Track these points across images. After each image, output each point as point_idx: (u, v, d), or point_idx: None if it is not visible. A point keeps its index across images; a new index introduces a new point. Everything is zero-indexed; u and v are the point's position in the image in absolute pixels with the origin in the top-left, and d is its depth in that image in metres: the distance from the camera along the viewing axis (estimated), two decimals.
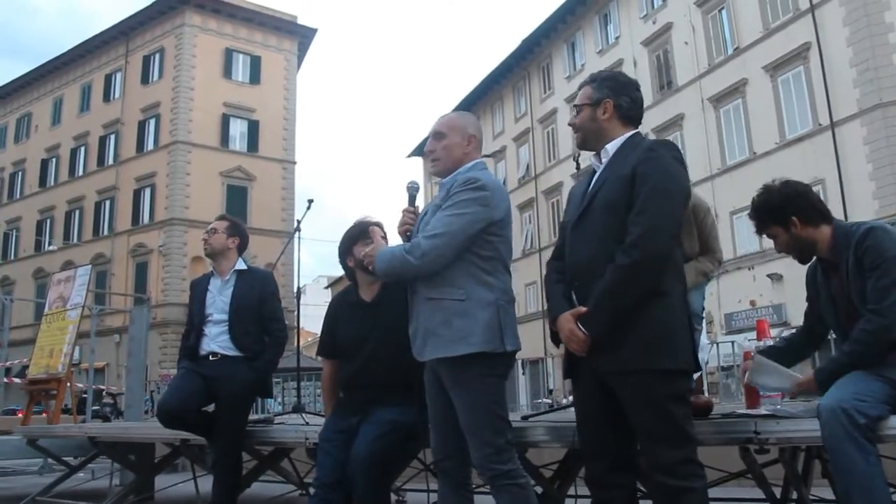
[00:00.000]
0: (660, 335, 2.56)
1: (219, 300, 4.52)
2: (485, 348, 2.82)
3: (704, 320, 4.04)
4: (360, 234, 3.86)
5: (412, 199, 3.05)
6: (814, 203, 3.05)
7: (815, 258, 3.12)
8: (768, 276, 21.86)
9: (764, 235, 3.17)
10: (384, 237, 3.83)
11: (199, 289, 4.66)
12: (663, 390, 2.54)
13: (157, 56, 36.52)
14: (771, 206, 3.06)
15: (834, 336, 3.24)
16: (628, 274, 2.55)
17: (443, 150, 3.08)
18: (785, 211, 3.02)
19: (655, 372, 2.54)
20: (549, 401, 18.60)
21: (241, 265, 4.65)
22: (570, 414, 4.10)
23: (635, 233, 2.56)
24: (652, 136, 28.36)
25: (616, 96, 2.86)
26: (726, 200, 23.59)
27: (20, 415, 9.28)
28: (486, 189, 2.93)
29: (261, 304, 4.54)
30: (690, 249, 3.84)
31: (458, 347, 2.82)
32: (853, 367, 2.77)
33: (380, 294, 3.80)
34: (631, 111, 2.87)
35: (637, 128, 2.90)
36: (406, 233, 2.99)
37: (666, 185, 2.63)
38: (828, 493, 3.94)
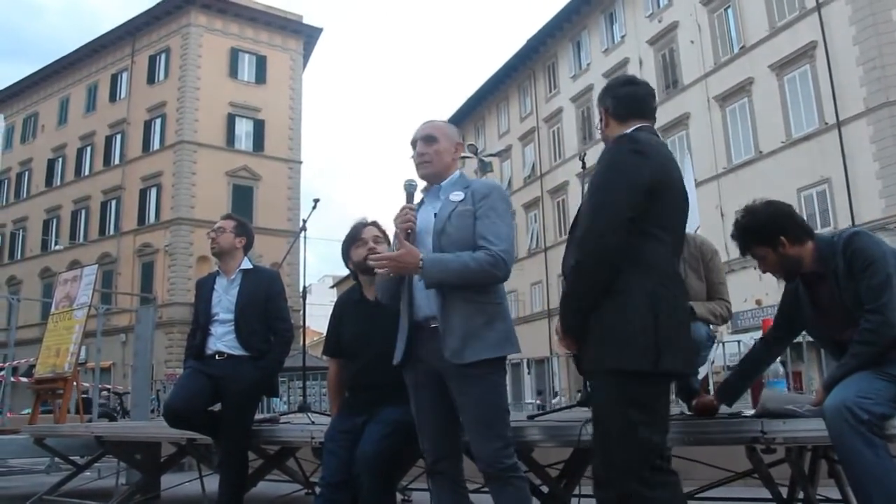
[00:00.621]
0: (610, 335, 2.52)
1: (225, 299, 4.53)
2: (516, 350, 2.97)
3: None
4: (353, 235, 3.95)
5: (410, 196, 3.06)
6: (798, 221, 3.08)
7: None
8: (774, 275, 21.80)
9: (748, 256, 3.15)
10: (380, 236, 3.87)
11: (204, 288, 4.66)
12: (612, 391, 2.51)
13: (163, 56, 36.57)
14: (758, 228, 3.06)
15: (806, 340, 3.25)
16: (574, 275, 2.58)
17: (435, 154, 3.12)
18: (773, 231, 3.02)
19: (606, 372, 2.54)
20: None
21: (246, 264, 4.66)
22: (576, 413, 4.11)
23: (578, 234, 2.59)
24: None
25: (602, 103, 2.90)
26: (732, 200, 23.51)
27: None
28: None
29: (267, 304, 4.55)
30: (699, 292, 3.77)
31: (503, 349, 2.94)
32: (860, 369, 2.77)
33: None
34: (619, 109, 2.84)
35: (641, 121, 2.81)
36: (408, 230, 2.97)
37: (606, 179, 2.59)
38: (834, 493, 3.94)
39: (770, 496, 3.85)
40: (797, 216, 3.10)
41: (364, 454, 3.42)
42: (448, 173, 3.16)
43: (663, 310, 2.52)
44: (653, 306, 2.51)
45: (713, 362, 5.70)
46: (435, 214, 3.06)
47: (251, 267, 4.69)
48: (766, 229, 3.03)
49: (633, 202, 2.52)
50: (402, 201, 3.06)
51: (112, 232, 36.52)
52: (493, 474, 2.87)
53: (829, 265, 2.96)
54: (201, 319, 4.57)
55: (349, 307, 3.97)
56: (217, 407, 4.45)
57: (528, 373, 21.79)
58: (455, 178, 3.16)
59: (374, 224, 3.97)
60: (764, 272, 3.16)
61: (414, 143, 3.17)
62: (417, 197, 3.15)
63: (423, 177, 3.16)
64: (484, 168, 31.26)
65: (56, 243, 38.27)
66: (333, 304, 4.20)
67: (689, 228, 10.02)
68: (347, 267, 4.03)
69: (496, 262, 2.87)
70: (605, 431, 2.54)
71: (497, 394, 2.94)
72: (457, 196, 3.05)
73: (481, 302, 2.92)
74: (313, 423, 4.48)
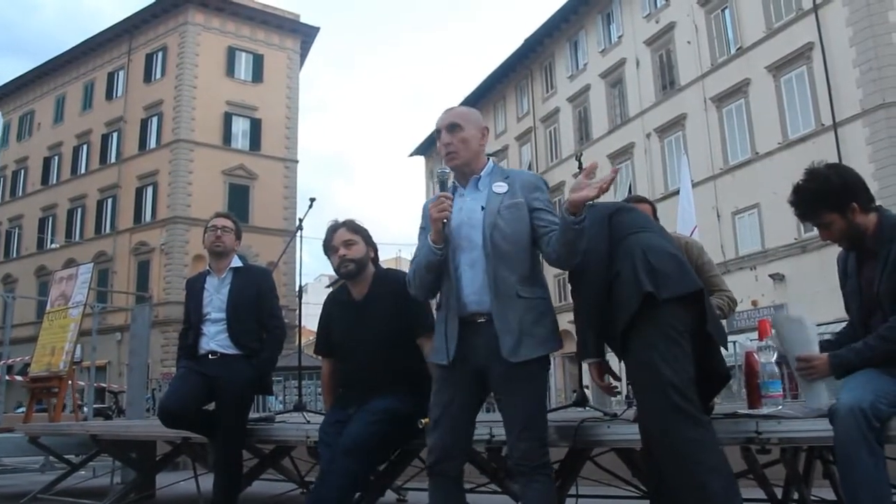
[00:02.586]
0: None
1: (216, 299, 4.52)
2: (561, 345, 2.95)
3: None
4: (326, 244, 3.88)
5: (443, 184, 2.94)
6: (867, 188, 2.93)
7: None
8: (770, 276, 21.85)
9: (809, 224, 3.02)
10: (350, 239, 3.79)
11: (195, 288, 4.65)
12: None
13: (160, 54, 36.53)
14: (830, 192, 2.88)
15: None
16: None
17: (461, 143, 3.00)
18: (846, 196, 2.86)
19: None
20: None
21: (237, 262, 4.65)
22: (572, 413, 4.10)
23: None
24: (655, 136, 28.16)
25: None
26: (728, 200, 23.58)
27: None
28: None
29: (259, 302, 4.54)
30: None
31: (552, 345, 2.90)
32: (872, 363, 2.71)
33: (369, 293, 3.79)
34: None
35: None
36: (444, 219, 2.86)
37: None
38: (829, 494, 3.94)
39: (765, 497, 3.85)
40: (866, 183, 2.96)
41: (345, 437, 3.44)
42: (479, 161, 3.05)
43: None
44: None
45: None
46: (482, 207, 2.95)
47: (241, 265, 4.68)
48: (838, 194, 2.86)
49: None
50: (437, 190, 2.95)
51: (108, 230, 36.45)
52: (522, 470, 2.83)
53: (882, 246, 2.82)
54: (193, 319, 4.56)
55: (336, 307, 3.96)
56: (212, 406, 4.45)
57: None
58: (490, 167, 3.06)
59: (345, 224, 3.87)
60: (825, 240, 3.01)
61: (438, 133, 3.05)
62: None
63: (453, 168, 3.03)
64: None
65: (52, 241, 38.18)
66: (323, 303, 4.16)
67: (686, 229, 10.04)
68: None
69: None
70: None
71: (542, 394, 2.91)
72: (500, 188, 2.96)
73: (531, 297, 2.87)
74: (309, 422, 4.46)
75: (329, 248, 3.85)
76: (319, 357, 4.13)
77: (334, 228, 3.87)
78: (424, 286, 3.02)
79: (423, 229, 3.04)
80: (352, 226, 3.85)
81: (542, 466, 2.84)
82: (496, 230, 2.88)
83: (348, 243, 3.78)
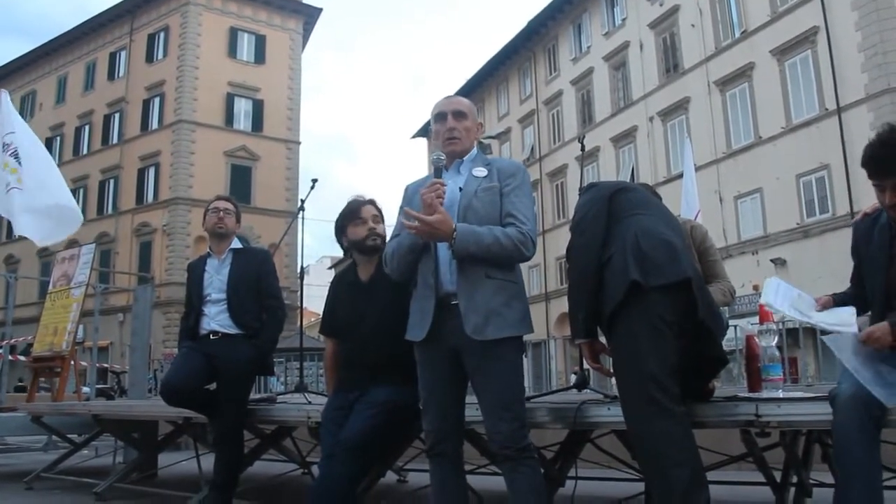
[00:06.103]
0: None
1: (216, 279, 4.55)
2: (532, 330, 2.97)
3: None
4: (351, 213, 3.89)
5: (439, 171, 3.00)
6: None
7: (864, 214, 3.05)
8: (771, 260, 21.82)
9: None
10: (378, 215, 3.83)
11: (196, 270, 4.69)
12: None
13: (162, 34, 36.39)
14: None
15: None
16: None
17: (465, 131, 3.11)
18: None
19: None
20: None
21: (236, 244, 4.69)
22: (572, 395, 4.12)
23: None
24: (658, 120, 27.98)
25: None
26: (731, 184, 23.52)
27: None
28: None
29: (259, 282, 4.57)
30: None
31: (521, 328, 2.93)
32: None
33: (375, 274, 3.79)
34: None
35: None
36: (437, 205, 2.89)
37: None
38: (827, 478, 3.96)
39: (764, 480, 3.87)
40: None
41: (346, 432, 3.47)
42: (469, 150, 3.16)
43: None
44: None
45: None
46: (460, 189, 3.02)
47: (241, 246, 4.72)
48: None
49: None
50: (432, 176, 2.99)
51: (110, 211, 36.47)
52: (507, 455, 2.84)
53: None
54: (194, 301, 4.60)
55: (343, 287, 3.97)
56: (213, 387, 4.47)
57: (526, 356, 21.97)
58: (474, 154, 3.16)
59: (372, 202, 3.92)
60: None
61: (442, 117, 3.13)
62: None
63: (449, 153, 3.11)
64: (483, 150, 31.27)
65: None
66: (330, 282, 4.20)
67: (689, 213, 9.95)
68: (340, 244, 3.98)
69: (526, 240, 2.88)
70: None
71: (516, 374, 2.93)
72: (480, 172, 3.04)
73: (503, 279, 2.91)
74: (310, 402, 4.48)
75: (355, 218, 3.85)
76: (323, 338, 4.14)
77: (363, 202, 3.91)
78: (403, 266, 3.07)
79: (403, 210, 3.09)
80: (376, 205, 3.93)
81: (526, 450, 2.85)
82: (470, 211, 2.95)
83: (377, 219, 3.85)
